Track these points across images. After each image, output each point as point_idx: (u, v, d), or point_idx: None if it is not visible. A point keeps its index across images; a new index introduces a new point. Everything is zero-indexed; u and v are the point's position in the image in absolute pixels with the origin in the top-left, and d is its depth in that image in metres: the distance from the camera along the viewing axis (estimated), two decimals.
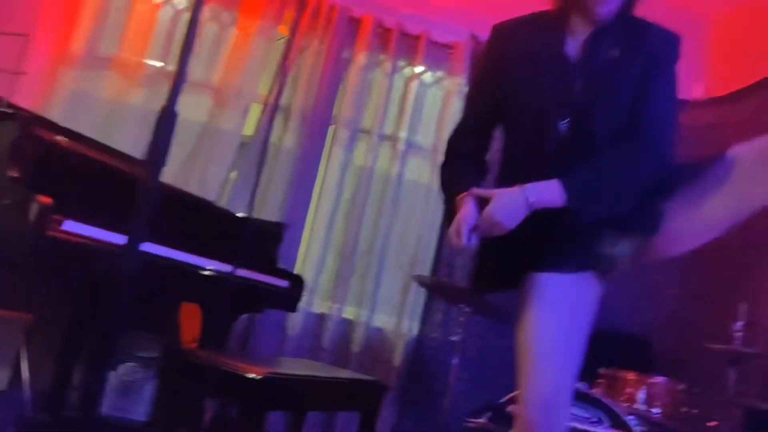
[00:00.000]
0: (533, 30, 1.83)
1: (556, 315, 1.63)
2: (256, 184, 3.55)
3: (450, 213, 1.79)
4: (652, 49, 1.75)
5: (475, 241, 1.67)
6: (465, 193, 1.74)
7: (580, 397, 2.57)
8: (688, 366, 3.65)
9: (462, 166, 1.88)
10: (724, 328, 3.22)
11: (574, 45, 1.78)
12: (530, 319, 1.64)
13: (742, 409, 2.97)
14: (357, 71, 4.00)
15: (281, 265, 3.37)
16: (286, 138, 3.92)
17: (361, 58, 4.01)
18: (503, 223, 1.62)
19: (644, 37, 1.76)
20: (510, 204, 1.63)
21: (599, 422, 2.47)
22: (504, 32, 1.88)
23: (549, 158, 1.71)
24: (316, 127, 3.94)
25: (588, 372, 2.83)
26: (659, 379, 3.13)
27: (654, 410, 3.06)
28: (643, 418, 3.02)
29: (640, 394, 3.05)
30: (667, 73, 1.77)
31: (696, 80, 4.58)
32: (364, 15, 4.04)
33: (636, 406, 3.04)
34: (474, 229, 1.67)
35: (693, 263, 3.96)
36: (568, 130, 1.71)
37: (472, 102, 1.97)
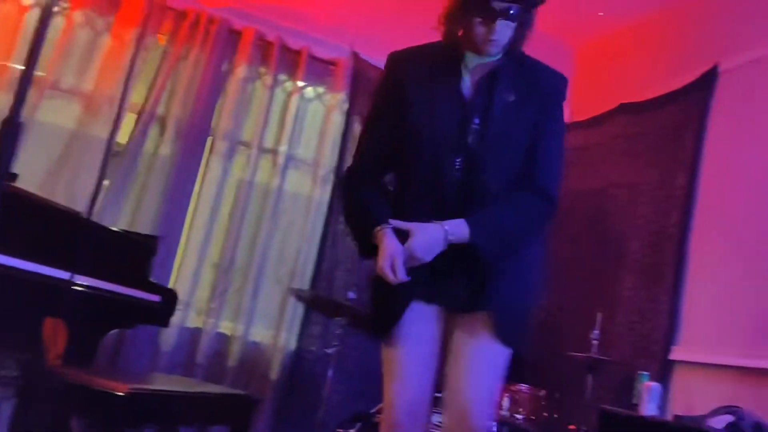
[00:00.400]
0: (430, 63, 1.83)
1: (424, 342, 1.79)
2: (128, 195, 3.45)
3: (365, 245, 1.79)
4: (544, 92, 1.82)
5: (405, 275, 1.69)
6: (384, 226, 1.74)
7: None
8: (551, 373, 3.86)
9: (372, 197, 1.86)
10: (583, 337, 3.44)
11: (468, 83, 1.81)
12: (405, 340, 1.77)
13: (597, 413, 3.18)
14: (236, 83, 3.99)
15: (154, 278, 3.29)
16: (162, 148, 3.84)
17: (240, 70, 3.99)
18: (424, 257, 1.66)
19: (536, 80, 1.82)
20: (431, 239, 1.67)
21: None
22: (401, 61, 1.88)
23: (445, 196, 1.75)
24: (193, 138, 3.88)
25: None
26: (522, 387, 3.29)
27: (518, 416, 3.22)
28: (508, 423, 3.18)
29: (505, 401, 3.20)
30: (558, 116, 1.86)
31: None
32: (244, 28, 4.03)
33: (501, 412, 3.19)
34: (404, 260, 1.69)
35: (558, 274, 4.21)
36: (462, 171, 1.75)
37: (372, 130, 1.92)
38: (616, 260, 3.91)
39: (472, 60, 1.81)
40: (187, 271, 3.77)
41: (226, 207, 3.94)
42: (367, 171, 1.89)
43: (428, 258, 1.66)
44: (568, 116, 4.78)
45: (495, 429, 2.84)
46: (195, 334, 3.76)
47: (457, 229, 1.68)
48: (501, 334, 1.72)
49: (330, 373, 3.22)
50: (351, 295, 3.28)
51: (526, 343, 1.79)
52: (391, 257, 1.68)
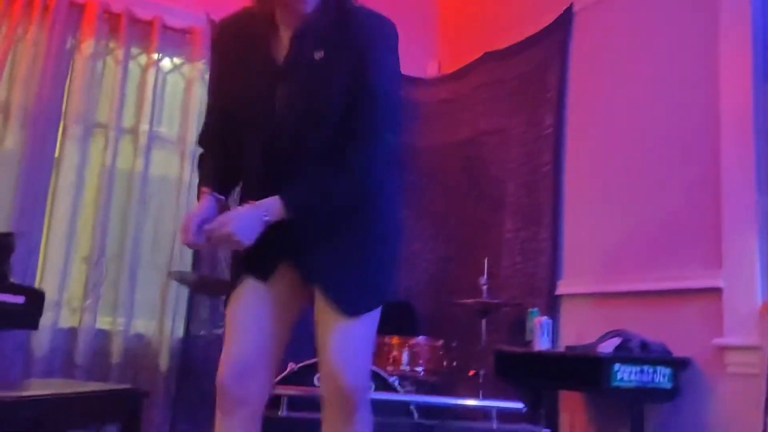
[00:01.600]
0: (247, 27, 1.74)
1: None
2: None
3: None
4: (360, 44, 1.67)
5: (202, 240, 1.63)
6: (205, 189, 1.73)
7: None
8: (446, 323, 3.91)
9: (210, 160, 1.83)
10: (473, 284, 3.48)
11: (280, 44, 1.70)
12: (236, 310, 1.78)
13: (494, 354, 3.24)
14: (84, 61, 3.68)
15: (17, 279, 3.00)
16: (8, 139, 3.50)
17: (87, 46, 3.69)
18: (243, 241, 1.59)
19: (349, 32, 1.67)
20: (248, 222, 1.60)
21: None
22: (225, 29, 1.81)
23: (268, 167, 1.72)
24: (43, 125, 3.56)
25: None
26: (420, 339, 3.30)
27: (418, 369, 3.23)
28: (409, 377, 3.17)
29: (404, 356, 3.20)
30: (381, 61, 1.70)
31: (429, 58, 4.88)
32: (87, 0, 3.72)
33: (402, 367, 3.18)
34: (206, 229, 1.62)
35: (443, 227, 4.25)
36: (277, 142, 1.69)
37: (209, 100, 1.89)
38: (495, 206, 3.99)
39: (285, 18, 1.70)
40: (54, 268, 3.48)
41: (90, 196, 3.66)
42: (210, 138, 1.86)
43: (249, 241, 1.60)
44: (435, 70, 4.86)
45: (397, 382, 2.81)
46: (70, 334, 3.49)
47: (272, 207, 1.63)
48: (339, 305, 1.69)
49: None
50: None
51: (372, 306, 1.73)
52: (187, 218, 1.67)
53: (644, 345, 2.82)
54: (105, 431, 3.38)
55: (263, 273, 1.75)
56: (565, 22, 3.77)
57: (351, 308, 1.68)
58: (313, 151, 1.69)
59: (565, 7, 3.76)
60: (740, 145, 2.78)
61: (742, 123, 2.79)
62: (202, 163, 1.85)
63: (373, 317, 1.73)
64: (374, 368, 2.81)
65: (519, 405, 2.30)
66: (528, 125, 3.90)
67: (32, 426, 2.05)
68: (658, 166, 3.14)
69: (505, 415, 2.40)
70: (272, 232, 1.63)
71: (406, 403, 2.55)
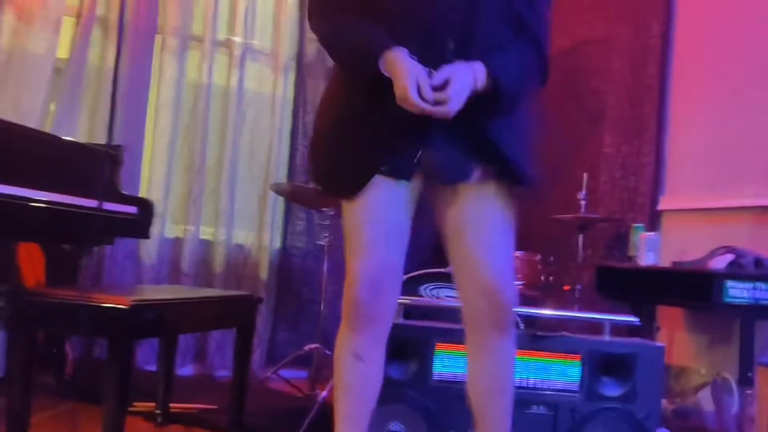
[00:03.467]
0: None
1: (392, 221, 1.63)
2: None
3: (369, 74, 1.48)
4: None
5: (431, 103, 1.42)
6: (396, 48, 1.46)
7: (449, 278, 2.62)
8: (542, 238, 3.86)
9: (360, 22, 1.54)
10: (570, 199, 3.41)
11: None
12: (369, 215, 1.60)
13: (595, 269, 3.20)
14: None
15: (125, 190, 3.11)
16: (108, 54, 3.54)
17: None
18: (455, 106, 1.42)
19: None
20: (464, 82, 1.43)
21: None
22: None
23: (437, 37, 1.51)
24: (141, 38, 3.59)
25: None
26: (518, 253, 3.27)
27: (517, 282, 3.22)
28: None
29: None
30: None
31: None
32: None
33: None
34: (434, 87, 1.42)
35: (540, 141, 4.14)
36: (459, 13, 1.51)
37: None
38: (595, 119, 3.85)
39: None
40: (157, 180, 3.59)
41: (187, 109, 3.72)
42: (337, 6, 1.59)
43: (458, 107, 1.43)
44: None
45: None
46: (176, 243, 3.63)
47: (481, 74, 1.47)
48: (519, 175, 1.59)
49: (325, 265, 3.15)
50: None
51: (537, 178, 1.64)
52: (416, 77, 1.42)
53: (758, 261, 2.72)
54: (211, 338, 3.56)
55: (403, 171, 1.58)
56: None
57: (529, 180, 1.59)
58: (487, 28, 1.54)
59: None
60: None
61: None
62: (356, 26, 1.54)
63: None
64: None
65: (633, 319, 2.28)
66: (633, 34, 3.70)
67: (155, 328, 2.15)
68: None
69: (616, 329, 2.39)
70: (413, 120, 1.47)
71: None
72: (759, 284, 2.66)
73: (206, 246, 3.69)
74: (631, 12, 3.72)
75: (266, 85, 3.88)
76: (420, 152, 1.56)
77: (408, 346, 2.15)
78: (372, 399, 1.68)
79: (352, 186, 1.59)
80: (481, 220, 1.61)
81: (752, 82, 3.06)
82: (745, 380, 2.70)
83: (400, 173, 1.58)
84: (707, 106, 3.29)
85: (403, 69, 1.44)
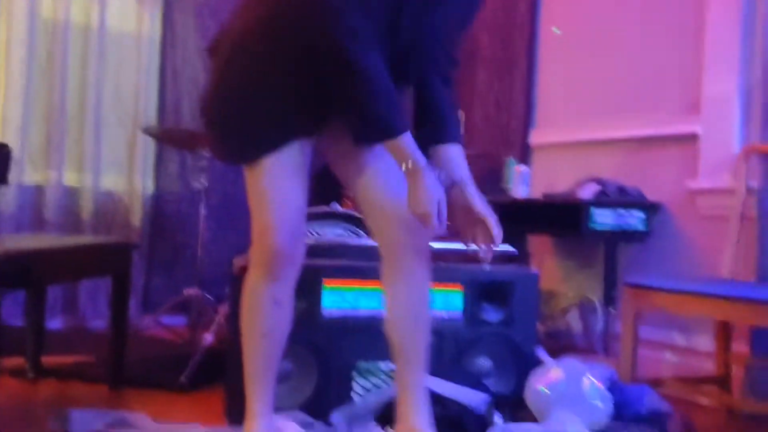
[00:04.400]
0: None
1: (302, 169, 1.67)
2: None
3: (379, 133, 1.50)
4: None
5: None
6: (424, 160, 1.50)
7: (334, 216, 2.61)
8: None
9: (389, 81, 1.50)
10: None
11: None
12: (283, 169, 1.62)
13: None
14: None
15: None
16: None
17: None
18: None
19: None
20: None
21: (356, 234, 2.55)
22: None
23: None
24: None
25: (335, 196, 2.91)
26: None
27: None
28: None
29: None
30: None
31: None
32: None
33: None
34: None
35: None
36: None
37: None
38: (468, 57, 3.91)
39: None
40: (12, 124, 3.30)
41: (43, 48, 3.41)
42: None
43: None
44: None
45: None
46: (38, 190, 3.38)
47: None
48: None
49: (202, 209, 3.05)
50: None
51: None
52: (437, 200, 1.49)
53: (621, 190, 2.91)
54: (83, 288, 3.38)
55: (311, 128, 1.62)
56: None
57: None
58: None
59: None
60: None
61: None
62: (388, 87, 1.50)
63: None
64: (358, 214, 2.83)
65: (511, 248, 2.37)
66: None
67: (21, 280, 2.01)
68: (637, 11, 3.10)
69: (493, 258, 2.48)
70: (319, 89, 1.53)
71: None
72: (621, 211, 2.85)
73: (72, 193, 3.46)
74: None
75: (130, 22, 3.63)
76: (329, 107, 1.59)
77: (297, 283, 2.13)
78: (285, 339, 1.73)
79: (268, 145, 1.58)
80: (387, 160, 1.62)
81: (611, 19, 3.21)
82: (609, 300, 2.92)
83: (307, 130, 1.61)
84: (572, 43, 3.42)
85: (427, 188, 1.49)
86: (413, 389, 1.70)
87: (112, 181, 3.59)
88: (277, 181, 1.61)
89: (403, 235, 1.65)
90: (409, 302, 1.70)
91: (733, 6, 2.72)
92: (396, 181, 1.61)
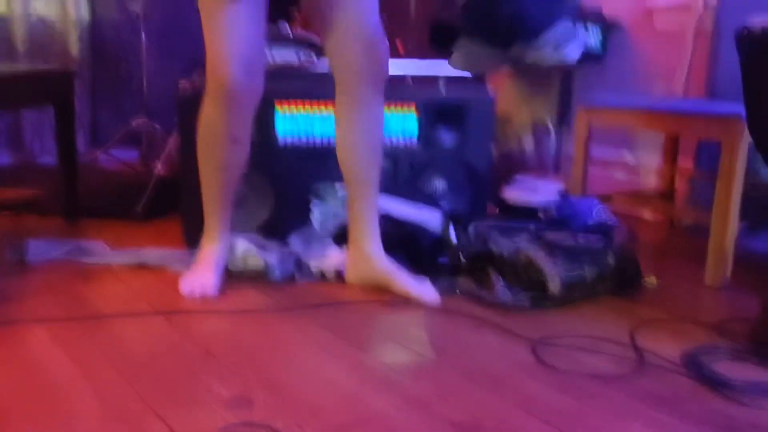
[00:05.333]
0: None
1: None
2: None
3: None
4: None
5: None
6: None
7: (286, 39, 2.50)
8: None
9: None
10: None
11: None
12: None
13: (426, 26, 3.19)
14: None
15: None
16: None
17: None
18: None
19: None
20: None
21: (309, 59, 2.46)
22: None
23: None
24: None
25: (284, 14, 2.76)
26: None
27: None
28: None
29: None
30: None
31: None
32: None
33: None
34: None
35: None
36: None
37: None
38: None
39: None
40: None
41: None
42: None
43: None
44: None
45: None
46: None
47: None
48: None
49: (143, 37, 2.89)
50: None
51: None
52: None
53: (579, 7, 2.83)
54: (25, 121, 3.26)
55: None
56: None
57: None
58: None
59: None
60: None
61: None
62: None
63: None
64: (306, 35, 2.72)
65: (465, 73, 2.33)
66: None
67: None
68: None
69: (449, 81, 2.45)
70: None
71: None
72: (580, 28, 2.79)
73: (3, 22, 3.23)
74: None
75: None
76: None
77: None
78: (242, 170, 1.73)
79: None
80: None
81: None
82: (563, 122, 2.94)
83: None
84: None
85: None
86: (365, 214, 1.73)
87: (44, 7, 3.35)
88: (228, 10, 1.50)
89: (364, 62, 1.61)
90: (362, 129, 1.69)
91: None
92: (359, 5, 1.58)
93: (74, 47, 3.39)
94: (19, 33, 3.27)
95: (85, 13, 3.43)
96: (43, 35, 3.34)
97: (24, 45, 3.28)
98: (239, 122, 1.64)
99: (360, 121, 1.69)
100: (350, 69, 1.64)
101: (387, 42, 1.65)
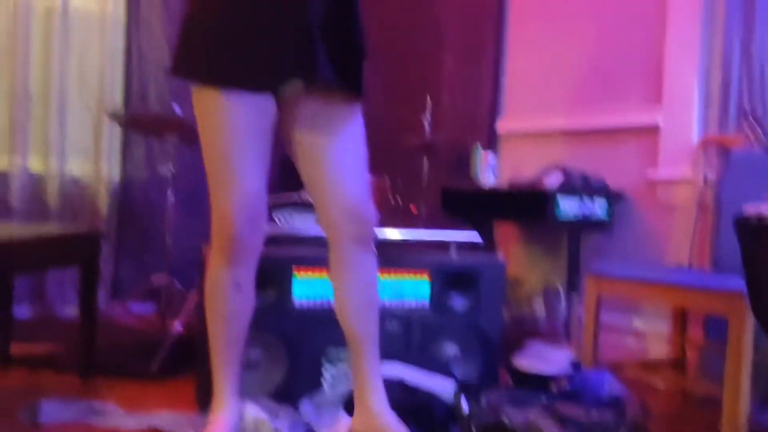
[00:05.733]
0: None
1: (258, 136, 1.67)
2: None
3: None
4: None
5: None
6: None
7: (303, 205, 2.63)
8: (388, 161, 3.95)
9: None
10: (413, 122, 3.51)
11: None
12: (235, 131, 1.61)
13: (437, 190, 3.35)
14: None
15: None
16: None
17: None
18: None
19: None
20: None
21: None
22: None
23: None
24: None
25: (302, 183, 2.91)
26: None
27: None
28: None
29: None
30: None
31: None
32: None
33: None
34: None
35: (381, 64, 4.18)
36: None
37: None
38: (436, 43, 3.94)
39: None
40: None
41: (4, 31, 3.35)
42: None
43: None
44: None
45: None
46: (2, 176, 3.33)
47: None
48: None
49: (170, 196, 3.04)
50: (177, 108, 3.02)
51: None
52: None
53: (584, 179, 2.98)
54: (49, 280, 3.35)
55: (270, 83, 1.60)
56: None
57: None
58: None
59: None
60: None
61: None
62: None
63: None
64: None
65: (476, 237, 2.42)
66: None
67: None
68: (601, 4, 3.15)
69: (460, 246, 2.53)
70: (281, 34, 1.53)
71: None
72: (585, 199, 2.92)
73: (37, 179, 3.42)
74: None
75: (93, 2, 3.58)
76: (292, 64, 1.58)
77: (267, 273, 2.15)
78: (248, 324, 1.76)
79: (229, 72, 1.56)
80: (336, 144, 1.66)
81: (576, 10, 3.26)
82: (573, 287, 3.00)
83: (265, 83, 1.59)
84: (539, 33, 3.47)
85: None
86: (368, 374, 1.75)
87: (78, 167, 3.55)
88: (233, 153, 1.58)
89: (347, 225, 1.68)
90: (354, 288, 1.74)
91: (694, 0, 2.79)
92: (346, 168, 1.66)
93: (103, 205, 3.56)
94: (52, 191, 3.44)
95: (116, 173, 3.62)
96: (75, 194, 3.51)
97: (56, 202, 3.44)
98: (243, 270, 1.69)
99: (352, 281, 1.74)
100: (335, 231, 1.70)
101: (372, 205, 1.72)
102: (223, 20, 1.57)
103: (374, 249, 1.73)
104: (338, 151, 1.66)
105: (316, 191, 1.71)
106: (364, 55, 1.69)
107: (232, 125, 1.57)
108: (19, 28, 3.36)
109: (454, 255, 2.40)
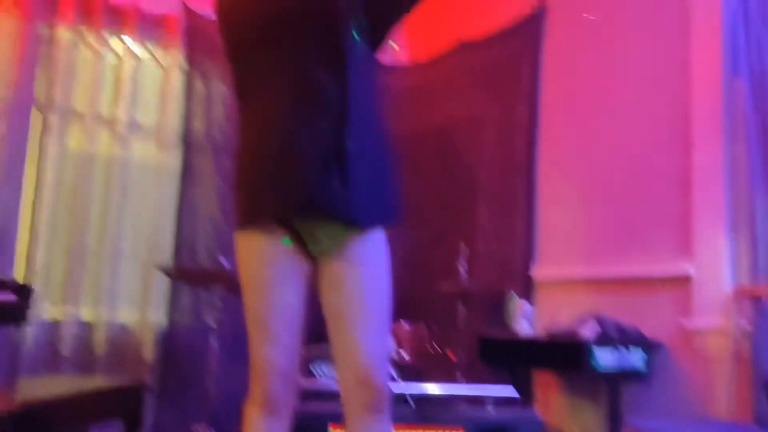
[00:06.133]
0: None
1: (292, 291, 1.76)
2: None
3: None
4: None
5: None
6: None
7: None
8: (422, 307, 4.01)
9: None
10: (448, 269, 3.59)
11: None
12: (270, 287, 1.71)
13: (475, 339, 3.37)
14: (58, 47, 3.61)
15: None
16: None
17: (61, 32, 3.62)
18: None
19: None
20: None
21: None
22: None
23: None
24: (16, 114, 3.50)
25: None
26: (404, 324, 3.39)
27: (403, 354, 3.33)
28: (396, 363, 3.28)
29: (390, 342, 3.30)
30: None
31: (400, 47, 4.92)
32: None
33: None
34: None
35: (417, 213, 4.35)
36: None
37: None
38: (469, 192, 4.09)
39: None
40: (35, 261, 3.45)
41: (68, 184, 3.62)
42: None
43: None
44: (406, 57, 4.88)
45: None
46: (55, 326, 3.48)
47: None
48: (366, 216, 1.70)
49: (214, 344, 3.13)
50: (224, 261, 3.17)
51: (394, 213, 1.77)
52: None
53: (619, 328, 2.98)
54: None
55: (275, 215, 1.67)
56: (539, 14, 3.87)
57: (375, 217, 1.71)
58: None
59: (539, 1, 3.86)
60: (710, 137, 2.94)
61: (712, 116, 2.95)
62: None
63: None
64: None
65: (513, 392, 2.43)
66: (502, 114, 4.00)
67: (46, 426, 2.08)
68: (631, 158, 3.29)
69: (497, 401, 2.53)
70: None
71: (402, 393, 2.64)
72: (622, 350, 2.91)
73: (87, 328, 3.56)
74: (499, 94, 4.03)
75: (150, 159, 3.86)
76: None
77: (302, 430, 2.18)
78: None
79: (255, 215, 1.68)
80: (352, 300, 1.69)
81: (606, 164, 3.40)
82: None
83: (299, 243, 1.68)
84: (570, 183, 3.60)
85: None
86: None
87: (125, 315, 3.69)
88: (269, 315, 1.66)
89: (357, 390, 1.68)
90: None
91: (717, 153, 2.90)
92: (360, 327, 1.67)
93: (148, 352, 3.66)
94: (100, 339, 3.57)
95: (162, 320, 3.75)
96: (122, 341, 3.63)
97: (103, 350, 3.55)
98: (278, 422, 1.71)
99: None
100: (347, 394, 1.71)
101: (386, 370, 1.71)
102: (244, 167, 1.73)
103: (387, 414, 1.71)
104: (351, 309, 1.69)
105: (333, 351, 1.74)
106: (393, 185, 1.76)
107: (258, 267, 1.69)
108: (82, 181, 3.62)
109: (491, 410, 2.41)
